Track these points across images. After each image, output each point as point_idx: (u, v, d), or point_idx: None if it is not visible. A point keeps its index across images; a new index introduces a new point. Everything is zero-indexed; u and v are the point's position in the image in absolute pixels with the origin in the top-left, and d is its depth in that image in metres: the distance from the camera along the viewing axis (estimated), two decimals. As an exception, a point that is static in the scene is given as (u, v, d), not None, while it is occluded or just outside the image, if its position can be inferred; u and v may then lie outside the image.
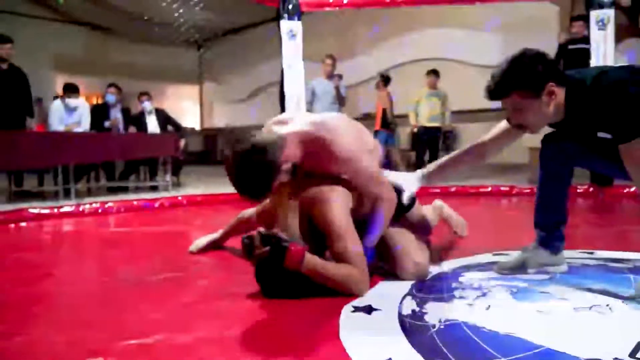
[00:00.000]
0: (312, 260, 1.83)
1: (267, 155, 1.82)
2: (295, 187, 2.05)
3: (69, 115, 6.34)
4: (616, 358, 1.31)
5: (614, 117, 1.73)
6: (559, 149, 2.05)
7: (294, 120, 2.12)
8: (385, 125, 7.79)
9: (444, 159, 2.28)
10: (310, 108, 6.62)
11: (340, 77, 6.63)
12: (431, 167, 2.29)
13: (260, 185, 1.86)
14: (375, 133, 8.04)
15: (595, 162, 2.03)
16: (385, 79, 7.98)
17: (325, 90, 6.60)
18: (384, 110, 7.81)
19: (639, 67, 1.88)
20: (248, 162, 1.80)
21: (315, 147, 2.00)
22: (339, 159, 2.00)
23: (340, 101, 6.68)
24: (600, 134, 1.84)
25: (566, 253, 2.21)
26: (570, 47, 5.93)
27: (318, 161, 2.04)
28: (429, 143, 7.44)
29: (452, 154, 2.28)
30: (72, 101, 6.32)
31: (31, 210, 4.39)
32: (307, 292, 1.85)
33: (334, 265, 1.89)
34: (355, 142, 2.12)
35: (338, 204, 1.97)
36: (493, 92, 1.87)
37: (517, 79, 1.82)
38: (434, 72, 7.38)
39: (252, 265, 1.88)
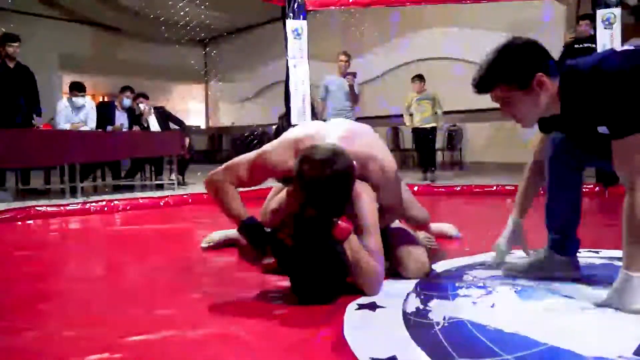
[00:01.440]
0: (354, 239, 1.88)
1: (352, 177, 1.86)
2: None
3: (75, 114, 6.37)
4: (621, 356, 1.31)
5: (614, 107, 1.60)
6: (569, 153, 1.95)
7: (350, 137, 2.09)
8: None
9: (518, 198, 2.17)
10: (323, 105, 6.63)
11: (354, 74, 6.59)
12: (516, 212, 2.17)
13: (344, 203, 1.88)
14: None
15: (603, 162, 1.82)
16: None
17: (339, 88, 6.57)
18: None
19: None
20: (343, 184, 1.82)
21: (367, 167, 2.02)
22: (387, 180, 2.07)
23: (353, 99, 6.65)
24: (600, 129, 1.68)
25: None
26: (577, 46, 5.91)
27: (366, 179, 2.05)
28: (425, 143, 7.52)
29: (519, 188, 2.18)
30: (78, 100, 6.35)
31: (38, 208, 4.42)
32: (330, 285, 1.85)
33: (367, 254, 1.89)
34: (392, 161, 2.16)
35: (370, 199, 1.99)
36: (478, 85, 1.76)
37: (503, 70, 1.70)
38: (419, 77, 7.48)
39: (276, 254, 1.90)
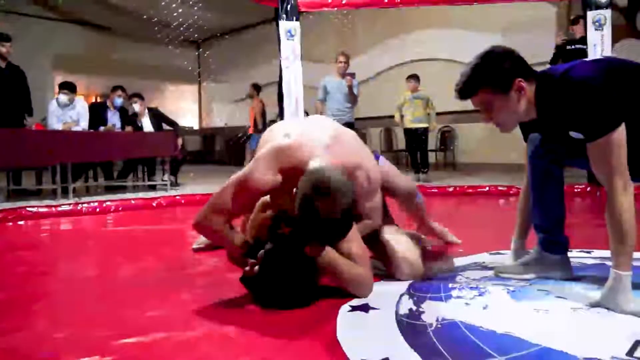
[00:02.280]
0: (330, 252, 1.83)
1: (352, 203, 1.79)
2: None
3: (67, 114, 6.32)
4: (614, 357, 1.32)
5: (581, 115, 1.67)
6: (547, 149, 2.01)
7: (337, 146, 2.07)
8: (257, 130, 8.60)
9: (517, 226, 2.24)
10: (322, 106, 6.62)
11: (353, 75, 6.58)
12: (517, 240, 2.23)
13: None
14: (250, 136, 8.96)
15: (582, 162, 1.87)
16: (257, 88, 9.14)
17: (338, 89, 6.56)
18: (256, 117, 8.92)
19: (611, 61, 1.85)
20: (349, 220, 1.79)
21: (355, 178, 2.02)
22: (371, 190, 2.10)
23: (352, 99, 6.65)
24: (572, 134, 1.76)
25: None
26: (569, 47, 5.95)
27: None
28: (416, 143, 7.56)
29: (518, 216, 2.23)
30: (63, 98, 6.23)
31: (29, 209, 4.39)
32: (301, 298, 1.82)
33: (348, 262, 1.87)
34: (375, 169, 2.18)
35: None
36: (462, 91, 1.83)
37: (485, 76, 1.78)
38: (414, 77, 7.54)
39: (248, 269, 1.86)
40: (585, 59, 1.91)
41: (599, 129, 1.65)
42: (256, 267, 1.80)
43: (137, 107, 7.00)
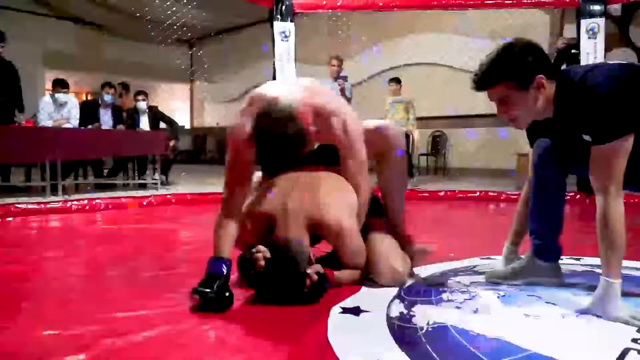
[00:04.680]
0: (337, 276, 2.01)
1: (301, 142, 1.84)
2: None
3: (57, 111, 6.29)
4: (602, 363, 1.32)
5: (593, 117, 1.65)
6: (553, 156, 1.98)
7: (312, 93, 2.06)
8: None
9: (512, 231, 2.23)
10: None
11: (345, 78, 6.59)
12: (509, 245, 2.22)
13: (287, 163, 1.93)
14: None
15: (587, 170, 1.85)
16: None
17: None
18: None
19: (633, 66, 1.81)
20: (290, 146, 1.81)
21: (330, 124, 2.00)
22: (351, 141, 2.04)
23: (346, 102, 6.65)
24: (586, 137, 1.72)
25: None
26: (573, 51, 5.92)
27: (327, 134, 2.02)
28: None
29: (515, 221, 2.21)
30: (61, 97, 6.27)
31: (18, 206, 4.36)
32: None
33: (349, 272, 2.06)
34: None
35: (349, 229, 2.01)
36: (480, 82, 1.78)
37: (505, 69, 1.72)
38: (395, 80, 7.52)
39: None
40: (610, 62, 1.87)
41: (608, 134, 1.63)
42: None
43: (144, 105, 6.97)
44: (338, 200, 2.01)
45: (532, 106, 1.75)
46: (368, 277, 2.09)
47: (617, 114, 1.61)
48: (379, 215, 2.25)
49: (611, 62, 1.81)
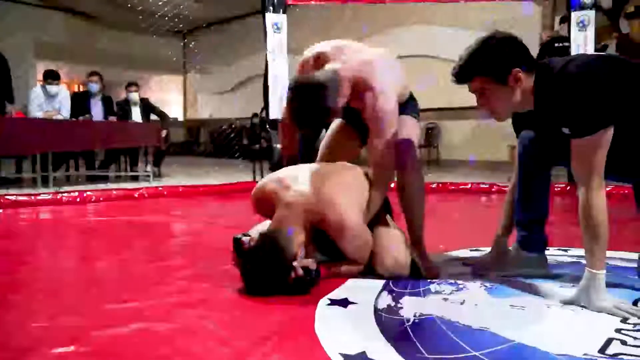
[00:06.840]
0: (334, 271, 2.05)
1: (327, 91, 1.96)
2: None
3: (48, 103, 6.25)
4: (586, 354, 1.34)
5: (571, 110, 1.64)
6: (538, 147, 1.99)
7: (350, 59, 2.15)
8: None
9: (501, 222, 2.17)
10: None
11: None
12: (499, 236, 2.17)
13: (319, 119, 2.04)
14: None
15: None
16: None
17: None
18: None
19: (612, 57, 1.82)
20: (311, 97, 1.95)
21: (360, 91, 2.08)
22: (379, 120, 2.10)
23: None
24: (564, 130, 1.72)
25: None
26: (557, 45, 5.96)
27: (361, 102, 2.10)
28: None
29: (503, 212, 2.17)
30: (52, 88, 6.22)
31: (8, 197, 4.34)
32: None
33: (348, 266, 2.08)
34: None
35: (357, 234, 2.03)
36: (458, 75, 1.79)
37: (482, 63, 1.73)
38: None
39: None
40: (588, 53, 1.86)
41: (587, 127, 1.63)
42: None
43: (136, 96, 6.93)
44: (344, 195, 2.01)
45: (510, 99, 1.76)
46: (372, 267, 2.10)
47: (595, 107, 1.61)
48: (386, 210, 2.29)
49: (589, 54, 1.81)
